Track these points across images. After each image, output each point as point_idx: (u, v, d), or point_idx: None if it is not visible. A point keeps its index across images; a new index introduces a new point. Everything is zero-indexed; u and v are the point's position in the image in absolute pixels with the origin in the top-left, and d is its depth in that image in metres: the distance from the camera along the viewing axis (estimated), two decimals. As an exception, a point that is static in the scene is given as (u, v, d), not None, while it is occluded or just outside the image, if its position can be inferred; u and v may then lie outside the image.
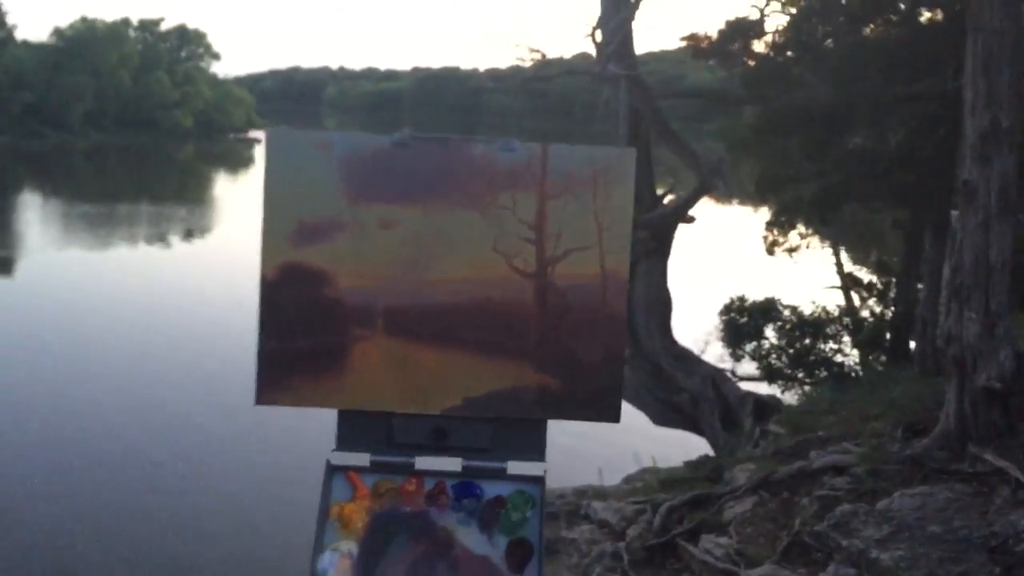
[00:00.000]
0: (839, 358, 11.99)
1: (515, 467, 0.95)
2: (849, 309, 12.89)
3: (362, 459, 0.95)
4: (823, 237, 14.49)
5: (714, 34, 9.81)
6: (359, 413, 0.95)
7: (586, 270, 0.94)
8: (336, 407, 0.95)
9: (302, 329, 0.94)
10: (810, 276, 14.08)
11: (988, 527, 4.70)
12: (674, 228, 9.80)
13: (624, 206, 0.94)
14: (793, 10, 10.40)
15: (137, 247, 27.65)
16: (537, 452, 0.95)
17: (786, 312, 11.57)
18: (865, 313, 12.93)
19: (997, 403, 5.82)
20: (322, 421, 0.98)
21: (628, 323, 8.45)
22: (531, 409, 0.96)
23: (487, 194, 0.94)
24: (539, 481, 0.95)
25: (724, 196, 10.28)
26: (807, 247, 13.30)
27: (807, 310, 11.87)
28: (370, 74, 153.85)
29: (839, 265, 14.10)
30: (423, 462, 0.95)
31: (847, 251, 16.37)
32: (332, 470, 0.95)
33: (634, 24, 9.79)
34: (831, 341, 11.89)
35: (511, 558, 0.91)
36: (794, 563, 5.58)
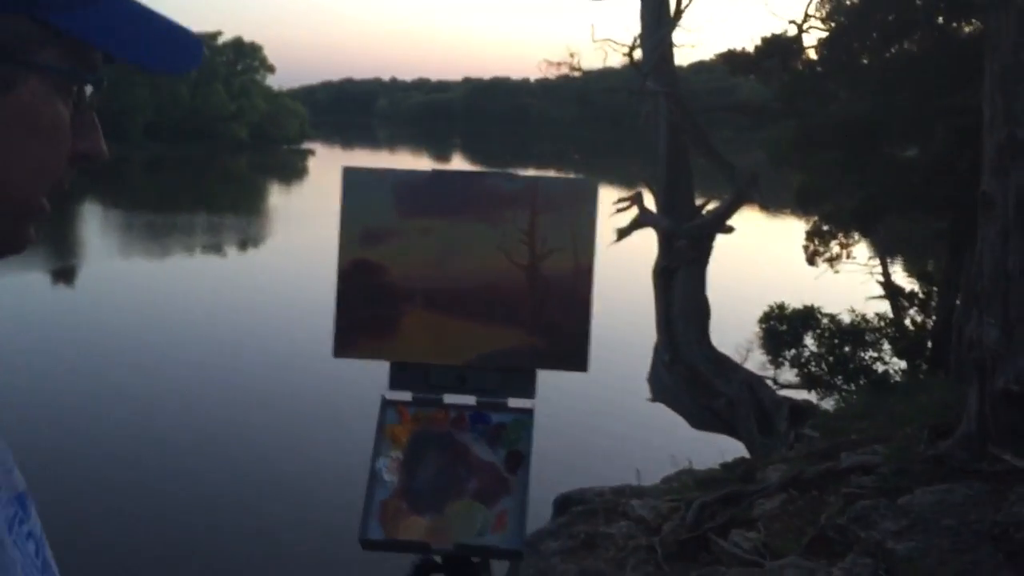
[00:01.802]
0: (879, 366, 12.16)
1: (513, 402, 1.36)
2: (895, 318, 12.98)
3: (406, 396, 1.37)
4: (874, 245, 14.57)
5: (752, 49, 10.11)
6: (405, 364, 1.37)
7: (563, 264, 1.35)
8: (389, 359, 1.37)
9: (366, 304, 1.36)
10: (850, 285, 14.24)
11: (995, 519, 4.98)
12: (712, 238, 10.11)
13: (589, 220, 1.34)
14: (832, 24, 10.67)
15: (201, 256, 28.56)
16: (529, 392, 1.36)
17: (824, 320, 11.79)
18: (907, 322, 13.05)
19: (1016, 405, 6.07)
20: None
21: (669, 329, 8.72)
22: (525, 362, 1.36)
23: (495, 211, 1.35)
24: (530, 412, 1.35)
25: (761, 207, 10.55)
26: (847, 257, 13.47)
27: (846, 319, 12.07)
28: (421, 85, 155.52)
29: (886, 275, 14.14)
30: (449, 398, 1.36)
31: (892, 261, 16.47)
32: (386, 403, 1.36)
33: (684, 36, 10.12)
34: (870, 349, 12.07)
35: (508, 463, 1.32)
36: (817, 555, 5.89)
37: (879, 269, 14.04)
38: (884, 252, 14.47)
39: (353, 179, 1.36)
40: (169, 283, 23.54)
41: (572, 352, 1.36)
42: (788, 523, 6.56)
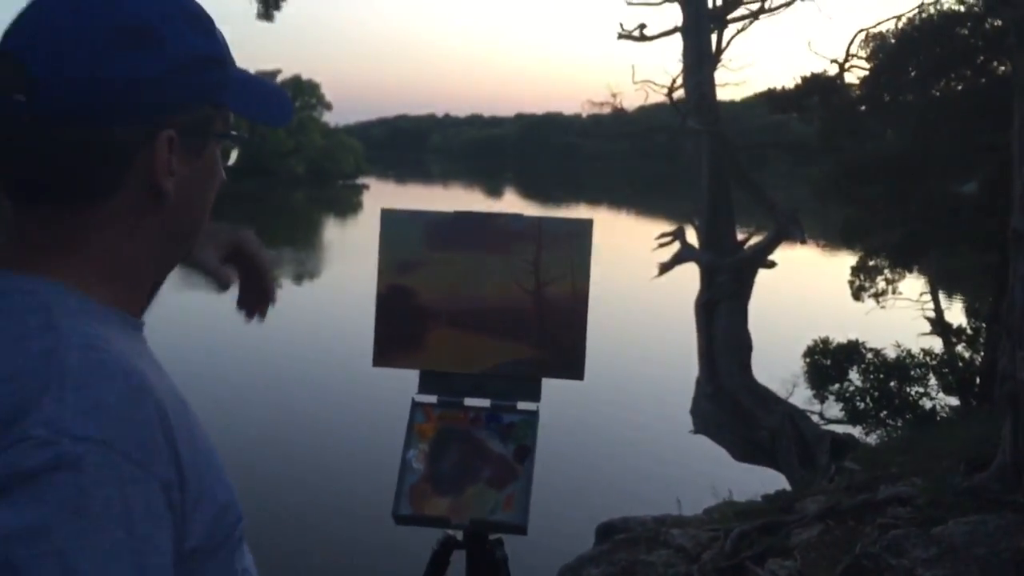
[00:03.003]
0: (926, 402, 12.13)
1: (522, 405, 1.62)
2: (949, 354, 12.91)
3: (432, 399, 1.64)
4: (929, 281, 14.50)
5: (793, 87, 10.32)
6: (432, 372, 1.64)
7: (563, 290, 1.62)
8: (418, 368, 1.65)
9: (400, 322, 1.64)
10: (901, 321, 14.19)
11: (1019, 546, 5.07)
12: (754, 272, 10.27)
13: (585, 253, 1.61)
14: (874, 62, 10.84)
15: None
16: (535, 397, 1.63)
17: (869, 355, 11.82)
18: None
19: (1049, 438, 6.13)
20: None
21: (711, 362, 8.89)
22: (531, 371, 1.63)
23: (506, 245, 1.63)
24: (535, 413, 1.62)
25: (800, 242, 10.68)
26: (893, 293, 13.48)
27: (891, 354, 12.07)
28: (474, 121, 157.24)
29: (938, 310, 14.05)
30: (468, 401, 1.64)
31: (952, 297, 16.39)
32: (415, 405, 1.64)
33: (729, 75, 10.36)
34: (916, 385, 12.06)
35: (517, 455, 1.58)
36: (850, 583, 6.00)
37: (930, 305, 13.99)
38: (936, 288, 14.41)
39: (390, 218, 1.65)
40: (225, 312, 24.13)
41: (571, 363, 1.63)
42: (824, 552, 6.66)
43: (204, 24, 0.93)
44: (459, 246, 1.63)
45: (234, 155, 1.04)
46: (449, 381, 1.64)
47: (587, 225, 1.63)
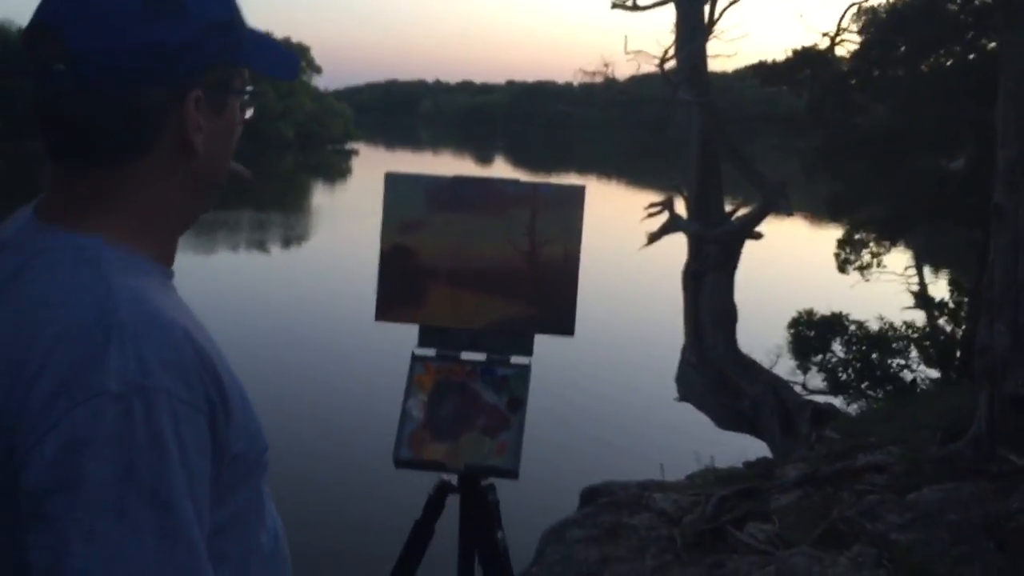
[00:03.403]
0: (907, 374, 12.33)
1: (515, 359, 1.73)
2: (931, 327, 13.09)
3: (431, 352, 1.75)
4: (916, 255, 14.64)
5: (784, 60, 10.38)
6: (431, 327, 1.75)
7: (556, 252, 1.72)
8: (418, 323, 1.75)
9: (401, 280, 1.74)
10: (886, 294, 14.34)
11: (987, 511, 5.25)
12: (741, 243, 10.39)
13: (575, 217, 1.71)
14: (866, 36, 10.90)
15: (246, 251, 29.27)
16: (527, 351, 1.73)
17: (852, 327, 11.99)
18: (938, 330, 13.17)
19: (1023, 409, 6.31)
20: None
21: (696, 331, 9.02)
22: (524, 327, 1.73)
23: (503, 209, 1.73)
24: (527, 367, 1.72)
25: (787, 215, 10.78)
26: (878, 266, 13.64)
27: (874, 326, 12.25)
28: (466, 87, 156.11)
29: (922, 284, 14.19)
30: (465, 355, 1.74)
31: (937, 272, 16.57)
32: (415, 358, 1.74)
33: (721, 46, 10.37)
34: (898, 357, 12.25)
35: (509, 406, 1.69)
36: (827, 546, 6.18)
37: (915, 279, 14.14)
38: (921, 262, 14.56)
39: (393, 181, 1.75)
40: (217, 275, 24.19)
41: (561, 320, 1.73)
42: (802, 517, 6.83)
43: None
44: (458, 208, 1.73)
45: (250, 111, 1.10)
46: (447, 336, 1.74)
47: (580, 191, 1.73)
